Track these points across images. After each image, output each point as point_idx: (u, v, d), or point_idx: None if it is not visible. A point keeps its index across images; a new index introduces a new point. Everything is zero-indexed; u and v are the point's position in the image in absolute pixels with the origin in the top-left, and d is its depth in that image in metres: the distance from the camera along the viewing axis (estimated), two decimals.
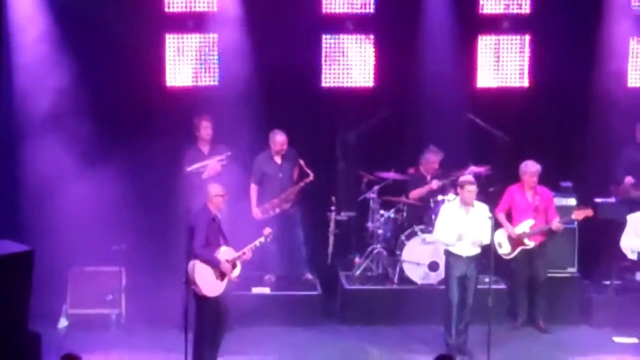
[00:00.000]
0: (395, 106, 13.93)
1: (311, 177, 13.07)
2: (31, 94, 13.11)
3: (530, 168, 12.62)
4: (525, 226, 12.67)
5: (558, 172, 13.59)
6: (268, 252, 12.90)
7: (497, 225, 12.58)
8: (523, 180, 12.69)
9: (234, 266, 11.11)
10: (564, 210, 12.91)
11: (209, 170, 12.98)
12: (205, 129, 13.17)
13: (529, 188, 12.68)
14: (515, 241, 12.71)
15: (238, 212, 12.74)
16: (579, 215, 12.57)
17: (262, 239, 11.32)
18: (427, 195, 13.39)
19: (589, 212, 12.56)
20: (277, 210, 13.12)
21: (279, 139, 13.16)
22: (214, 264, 10.95)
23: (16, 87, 13.17)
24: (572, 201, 13.26)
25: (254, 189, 13.23)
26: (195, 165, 13.02)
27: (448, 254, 11.82)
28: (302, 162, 13.11)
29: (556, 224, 12.59)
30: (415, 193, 13.46)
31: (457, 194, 12.03)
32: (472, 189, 11.64)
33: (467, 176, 11.92)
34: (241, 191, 12.93)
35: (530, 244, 12.68)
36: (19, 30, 13.16)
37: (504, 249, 12.77)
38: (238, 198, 12.73)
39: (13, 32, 13.16)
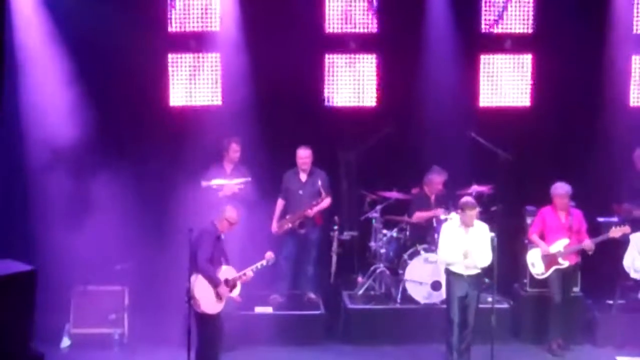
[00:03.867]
0: (398, 125, 13.94)
1: (324, 199, 13.06)
2: (36, 115, 13.14)
3: (560, 190, 12.60)
4: (559, 245, 12.66)
5: None
6: (280, 272, 12.93)
7: (530, 245, 12.83)
8: (554, 202, 12.68)
9: (233, 286, 11.11)
10: None
11: (226, 191, 13.00)
12: (235, 152, 13.19)
13: (561, 209, 12.66)
14: (550, 260, 12.67)
15: (250, 232, 12.74)
16: (615, 232, 12.48)
17: (263, 262, 11.31)
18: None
19: (626, 230, 12.48)
20: (290, 226, 13.12)
21: (299, 153, 13.21)
22: (215, 283, 10.94)
23: (22, 107, 13.18)
24: None
25: (279, 203, 13.28)
26: (214, 182, 13.03)
27: (449, 273, 11.79)
28: (320, 183, 13.12)
29: (588, 243, 12.55)
30: (420, 216, 13.45)
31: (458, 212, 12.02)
32: (473, 213, 11.62)
33: (467, 198, 11.85)
34: (254, 212, 12.91)
35: (564, 263, 12.65)
36: (23, 50, 13.18)
37: (537, 268, 12.76)
38: (250, 219, 12.72)
39: (18, 52, 13.17)
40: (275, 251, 11.66)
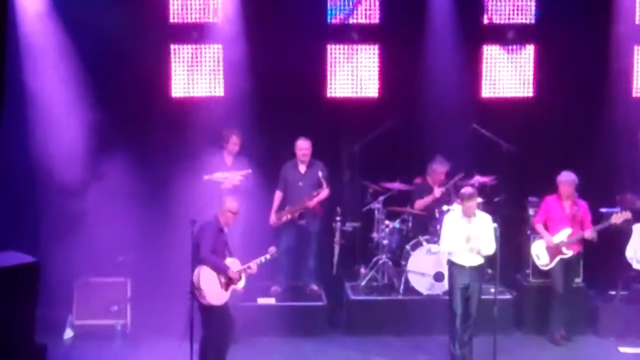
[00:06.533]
0: (400, 116, 13.95)
1: (324, 190, 13.05)
2: (39, 105, 13.13)
3: (566, 177, 12.60)
4: (563, 235, 12.65)
5: None
6: (279, 264, 12.90)
7: (536, 235, 12.84)
8: (560, 190, 12.67)
9: (239, 278, 11.11)
10: None
11: (227, 184, 12.98)
12: (234, 144, 13.15)
13: (566, 198, 12.65)
14: (554, 251, 12.68)
15: (251, 224, 12.74)
16: (618, 218, 12.48)
17: (267, 256, 11.28)
18: (433, 205, 13.39)
19: (627, 216, 12.48)
20: (289, 217, 13.11)
21: (299, 144, 13.17)
22: (222, 269, 10.91)
23: (26, 97, 13.14)
24: None
25: (277, 195, 13.26)
26: (216, 175, 13.00)
27: (451, 264, 11.79)
28: (321, 174, 13.09)
29: (589, 233, 12.54)
30: (420, 203, 13.45)
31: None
32: (472, 203, 11.61)
33: (467, 189, 11.83)
34: (255, 204, 12.89)
35: (568, 253, 12.66)
36: (26, 40, 13.16)
37: (542, 260, 12.78)
38: (251, 211, 12.70)
39: (21, 42, 13.14)
40: (274, 244, 11.67)
